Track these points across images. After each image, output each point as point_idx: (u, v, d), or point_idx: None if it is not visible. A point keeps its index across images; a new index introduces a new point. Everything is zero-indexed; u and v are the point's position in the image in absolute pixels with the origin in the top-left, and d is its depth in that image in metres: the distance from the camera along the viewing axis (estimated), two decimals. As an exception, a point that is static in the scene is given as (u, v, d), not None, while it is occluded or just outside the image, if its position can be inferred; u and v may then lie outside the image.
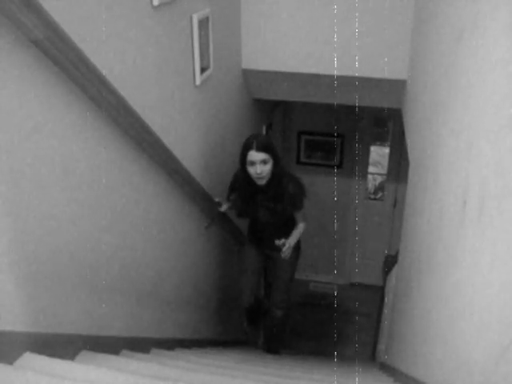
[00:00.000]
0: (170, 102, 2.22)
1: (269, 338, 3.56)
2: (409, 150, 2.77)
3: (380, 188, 5.62)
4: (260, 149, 2.53)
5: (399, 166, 5.18)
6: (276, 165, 2.61)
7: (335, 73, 3.34)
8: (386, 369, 2.82)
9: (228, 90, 3.19)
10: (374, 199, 5.64)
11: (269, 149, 2.57)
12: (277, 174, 2.63)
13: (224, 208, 2.92)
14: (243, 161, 2.60)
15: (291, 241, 2.79)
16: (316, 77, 3.39)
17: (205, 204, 2.73)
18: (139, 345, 1.98)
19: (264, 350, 3.64)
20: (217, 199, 2.85)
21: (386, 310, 3.75)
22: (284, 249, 2.73)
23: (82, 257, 1.53)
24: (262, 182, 2.62)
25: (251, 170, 2.58)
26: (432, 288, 1.70)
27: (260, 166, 2.54)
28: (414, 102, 2.71)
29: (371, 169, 5.54)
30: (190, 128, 2.51)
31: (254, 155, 2.53)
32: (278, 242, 2.64)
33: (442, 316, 1.51)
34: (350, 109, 4.86)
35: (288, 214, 2.81)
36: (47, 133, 1.29)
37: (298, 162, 5.49)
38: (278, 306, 3.22)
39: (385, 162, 5.45)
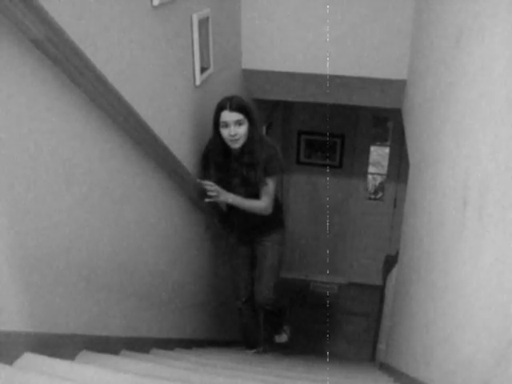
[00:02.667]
0: (170, 101, 2.22)
1: (269, 324, 3.41)
2: (409, 150, 2.77)
3: (380, 188, 5.62)
4: (234, 109, 2.34)
5: (399, 165, 5.18)
6: (252, 128, 2.42)
7: (335, 73, 3.34)
8: (386, 369, 2.82)
9: (228, 90, 3.19)
10: (374, 199, 5.64)
11: (244, 109, 2.38)
12: (252, 139, 2.44)
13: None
14: (216, 122, 2.41)
15: (229, 195, 2.52)
16: (316, 77, 3.39)
17: (204, 204, 2.72)
18: (139, 345, 1.98)
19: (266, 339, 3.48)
20: (198, 180, 2.57)
21: (386, 310, 3.75)
22: (209, 188, 2.44)
23: (81, 257, 1.52)
24: (236, 146, 2.43)
25: (224, 132, 2.39)
26: (432, 288, 1.70)
27: (234, 127, 2.36)
28: (414, 101, 2.71)
29: (371, 169, 5.54)
30: (189, 128, 2.51)
31: (228, 115, 2.35)
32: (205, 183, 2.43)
33: (441, 316, 1.51)
34: (350, 109, 4.87)
35: (260, 185, 2.57)
36: (47, 133, 1.29)
37: (298, 161, 5.49)
38: (262, 304, 2.92)
39: (385, 162, 5.46)
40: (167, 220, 2.32)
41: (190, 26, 2.35)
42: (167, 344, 2.31)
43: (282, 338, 3.51)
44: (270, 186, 2.56)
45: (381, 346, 3.76)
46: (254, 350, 3.30)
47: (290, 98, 3.83)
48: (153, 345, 2.11)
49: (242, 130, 2.38)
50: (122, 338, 1.85)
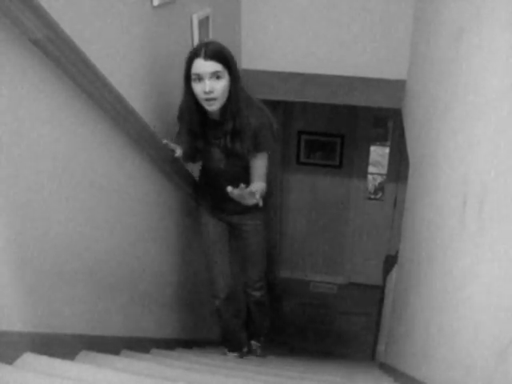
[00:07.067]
0: (171, 101, 2.21)
1: (251, 325, 2.92)
2: (409, 150, 2.77)
3: (380, 188, 5.62)
4: (210, 56, 1.79)
5: (399, 166, 5.17)
6: (234, 84, 1.87)
7: (335, 73, 3.34)
8: (386, 369, 2.82)
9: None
10: (374, 199, 5.63)
11: (223, 58, 1.82)
12: (234, 98, 1.89)
13: (179, 152, 2.09)
14: (187, 75, 1.84)
15: (253, 187, 1.87)
16: (316, 77, 3.39)
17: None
18: (139, 345, 1.98)
19: (247, 340, 2.97)
20: (165, 141, 2.03)
21: (385, 310, 3.75)
22: (242, 192, 1.76)
23: (81, 256, 1.53)
24: (214, 108, 1.88)
25: (197, 87, 1.82)
26: (431, 288, 1.70)
27: (210, 81, 1.80)
28: (414, 101, 2.71)
29: (371, 169, 5.54)
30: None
31: (202, 65, 1.79)
32: (230, 189, 1.73)
33: (441, 316, 1.51)
34: (350, 109, 4.87)
35: (249, 158, 2.04)
36: (46, 132, 1.29)
37: (298, 162, 5.48)
38: (255, 286, 2.56)
39: (385, 162, 5.45)
40: (168, 219, 2.32)
41: (190, 26, 2.35)
42: (167, 344, 2.31)
43: (254, 350, 3.00)
44: (261, 165, 2.04)
45: (381, 346, 3.76)
46: (237, 354, 2.84)
47: (290, 98, 3.83)
48: (153, 345, 2.11)
49: (221, 85, 1.82)
50: (122, 337, 1.85)
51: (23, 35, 1.14)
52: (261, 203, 1.81)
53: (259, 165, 2.04)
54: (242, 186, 1.74)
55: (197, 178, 2.40)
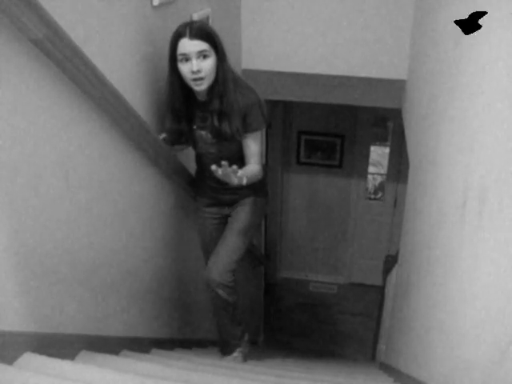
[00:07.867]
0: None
1: (219, 332, 2.44)
2: (409, 150, 2.77)
3: (380, 188, 5.62)
4: (196, 35, 1.78)
5: (399, 165, 5.18)
6: (221, 63, 1.87)
7: (335, 73, 3.34)
8: (386, 369, 2.82)
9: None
10: (374, 199, 5.64)
11: (209, 37, 1.81)
12: (222, 78, 1.87)
13: (163, 135, 2.05)
14: (173, 56, 1.83)
15: (243, 172, 1.77)
16: (316, 77, 3.39)
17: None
18: (139, 345, 1.98)
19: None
20: (163, 135, 2.04)
21: (385, 310, 3.75)
22: (227, 171, 1.70)
23: (81, 256, 1.53)
24: (202, 87, 1.85)
25: (184, 68, 1.81)
26: (432, 288, 1.70)
27: (197, 61, 1.79)
28: (414, 101, 2.71)
29: (371, 169, 5.54)
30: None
31: (187, 45, 1.78)
32: (214, 168, 1.67)
33: (441, 316, 1.51)
34: (350, 109, 4.87)
35: (239, 139, 1.98)
36: (46, 132, 1.29)
37: (298, 162, 5.49)
38: (213, 282, 2.09)
39: (385, 162, 5.45)
40: (166, 219, 2.32)
41: (190, 26, 2.34)
42: (167, 344, 2.31)
43: (237, 358, 2.44)
44: (253, 146, 2.00)
45: (381, 346, 3.76)
46: (235, 354, 2.44)
47: (290, 98, 3.83)
48: (153, 345, 2.11)
49: (208, 64, 1.82)
50: (122, 338, 1.85)
51: (23, 35, 1.14)
52: (244, 181, 1.76)
53: (252, 145, 2.00)
54: (224, 163, 1.68)
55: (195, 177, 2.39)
